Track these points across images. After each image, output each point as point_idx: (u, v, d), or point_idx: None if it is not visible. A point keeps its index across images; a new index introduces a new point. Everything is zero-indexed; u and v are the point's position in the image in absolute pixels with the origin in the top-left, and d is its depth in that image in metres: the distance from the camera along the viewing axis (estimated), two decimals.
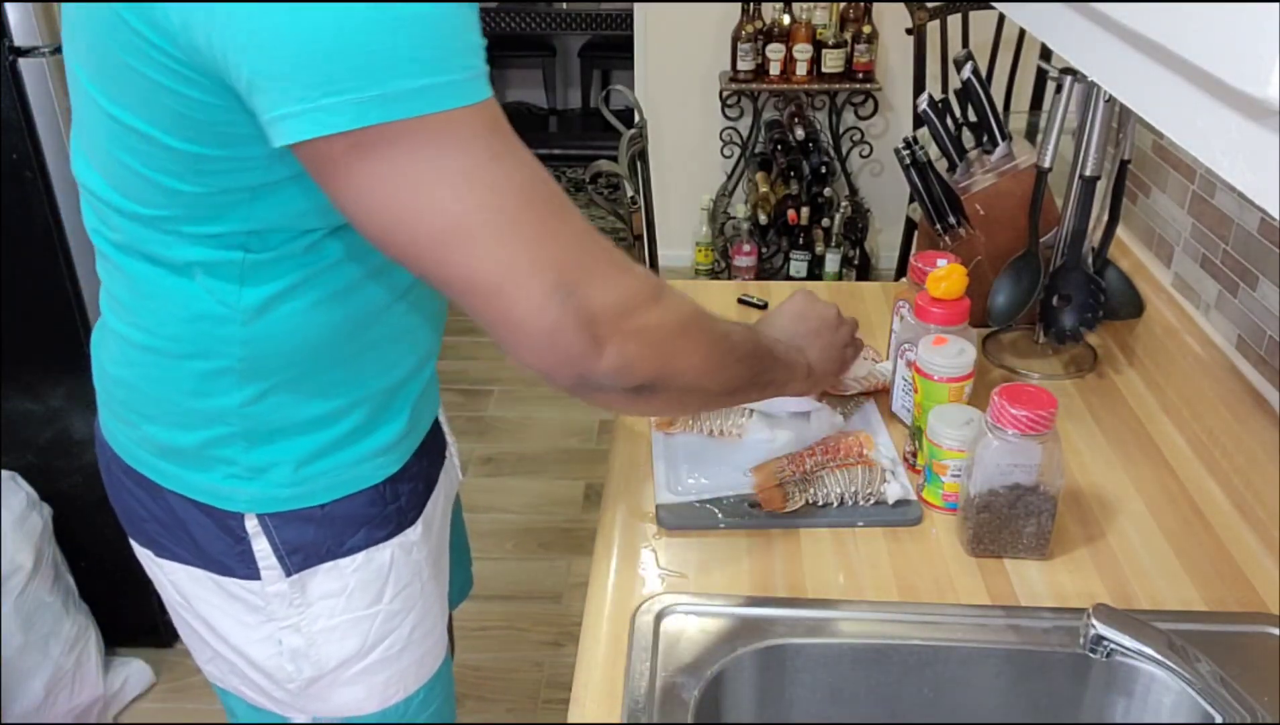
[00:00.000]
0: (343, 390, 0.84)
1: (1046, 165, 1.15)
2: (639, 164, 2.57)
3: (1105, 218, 1.19)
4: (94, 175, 0.75)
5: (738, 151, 3.52)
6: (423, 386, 0.92)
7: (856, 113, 3.43)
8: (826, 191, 3.31)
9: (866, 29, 3.20)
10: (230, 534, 0.85)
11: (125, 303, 0.81)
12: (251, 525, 0.85)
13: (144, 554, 0.92)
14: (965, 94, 1.30)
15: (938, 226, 1.27)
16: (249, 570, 0.86)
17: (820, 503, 0.98)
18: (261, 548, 0.85)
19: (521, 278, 0.66)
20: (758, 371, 0.88)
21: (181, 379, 0.81)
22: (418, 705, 0.99)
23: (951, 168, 1.30)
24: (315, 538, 0.86)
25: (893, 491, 0.98)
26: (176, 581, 0.90)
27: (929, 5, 2.73)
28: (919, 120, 1.37)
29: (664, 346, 0.75)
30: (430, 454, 0.96)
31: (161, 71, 0.64)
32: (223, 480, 0.84)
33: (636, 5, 3.41)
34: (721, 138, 3.51)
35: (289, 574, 0.87)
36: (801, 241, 3.36)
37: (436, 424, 0.99)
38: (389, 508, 0.89)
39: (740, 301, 1.42)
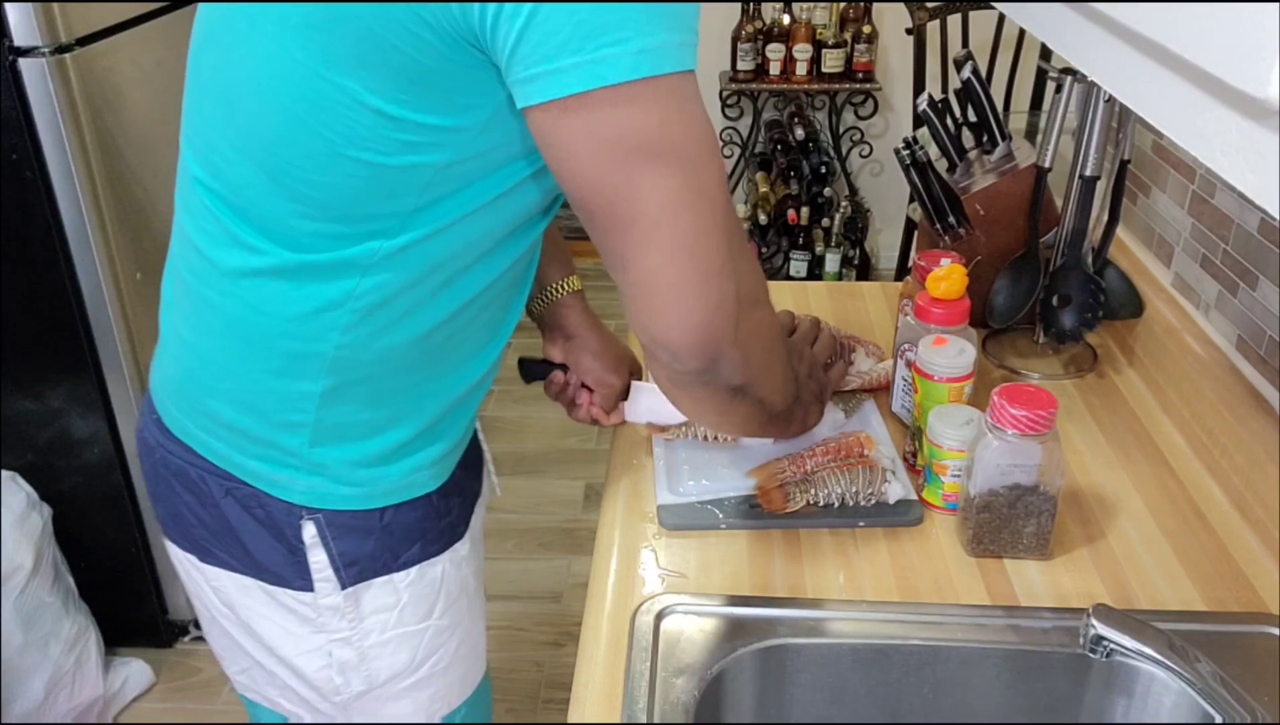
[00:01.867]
0: (416, 396, 0.83)
1: (1046, 165, 1.15)
2: None
3: (1105, 218, 1.19)
4: (239, 132, 0.72)
5: (738, 151, 3.52)
6: (481, 398, 0.91)
7: (856, 113, 3.43)
8: (826, 191, 3.31)
9: (866, 29, 3.20)
10: (286, 544, 0.84)
11: (225, 269, 0.77)
12: (309, 535, 0.84)
13: (185, 558, 0.90)
14: (965, 94, 1.30)
15: (938, 226, 1.27)
16: (303, 582, 0.85)
17: (821, 503, 0.98)
18: (318, 559, 0.84)
19: (715, 239, 0.65)
20: (796, 391, 0.90)
21: (268, 357, 0.79)
22: (460, 720, 0.99)
23: (951, 168, 1.30)
24: (373, 550, 0.85)
25: (893, 491, 0.98)
26: (220, 588, 0.89)
27: (929, 5, 2.73)
28: (919, 120, 1.36)
29: (769, 348, 0.75)
30: (473, 468, 0.96)
31: (401, 34, 0.63)
32: (281, 468, 0.82)
33: None
34: (721, 138, 3.50)
35: (344, 587, 0.86)
36: (801, 241, 3.36)
37: (475, 437, 0.99)
38: (442, 522, 0.89)
39: None
